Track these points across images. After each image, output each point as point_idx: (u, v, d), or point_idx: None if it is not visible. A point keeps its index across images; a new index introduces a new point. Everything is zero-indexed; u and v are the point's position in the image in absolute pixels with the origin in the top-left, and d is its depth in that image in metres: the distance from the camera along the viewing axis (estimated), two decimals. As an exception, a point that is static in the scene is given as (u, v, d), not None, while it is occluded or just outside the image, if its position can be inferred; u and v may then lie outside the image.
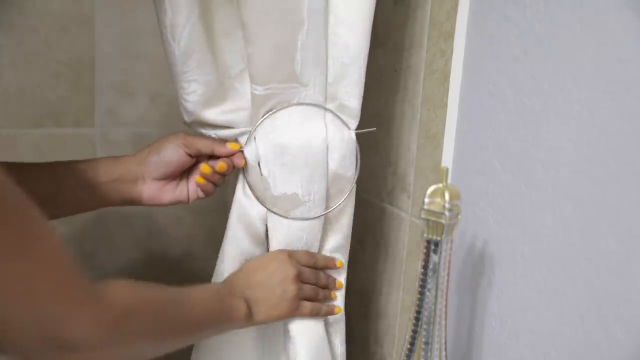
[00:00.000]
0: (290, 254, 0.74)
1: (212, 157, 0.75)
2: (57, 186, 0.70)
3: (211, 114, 0.71)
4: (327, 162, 0.74)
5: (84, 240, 1.14)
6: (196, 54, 0.67)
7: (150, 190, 0.73)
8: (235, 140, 0.73)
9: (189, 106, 0.70)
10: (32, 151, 1.08)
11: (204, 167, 0.73)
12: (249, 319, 0.70)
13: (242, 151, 0.73)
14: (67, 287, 0.47)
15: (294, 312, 0.74)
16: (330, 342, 0.80)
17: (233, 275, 0.73)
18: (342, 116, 0.76)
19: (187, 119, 0.73)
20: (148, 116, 1.13)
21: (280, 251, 0.75)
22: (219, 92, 0.71)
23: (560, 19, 0.60)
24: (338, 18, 0.72)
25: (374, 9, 0.72)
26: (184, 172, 0.75)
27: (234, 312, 0.69)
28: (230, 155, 0.73)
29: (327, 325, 0.80)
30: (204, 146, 0.73)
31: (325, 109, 0.75)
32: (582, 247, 0.59)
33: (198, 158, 0.75)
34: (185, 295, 0.64)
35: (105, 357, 0.52)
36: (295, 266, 0.74)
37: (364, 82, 0.74)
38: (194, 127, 0.74)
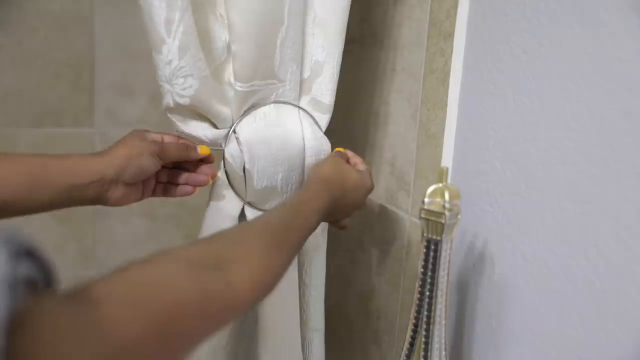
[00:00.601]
0: (362, 178, 0.74)
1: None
2: (30, 183, 0.66)
3: (204, 110, 0.71)
4: (305, 155, 0.76)
5: (84, 239, 1.14)
6: (191, 50, 0.67)
7: (119, 194, 0.71)
8: (206, 144, 0.74)
9: (184, 101, 0.69)
10: (32, 151, 1.08)
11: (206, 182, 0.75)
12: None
13: (211, 157, 0.74)
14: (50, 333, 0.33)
15: (337, 225, 0.76)
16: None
17: (330, 191, 0.68)
18: (315, 111, 0.79)
19: (173, 106, 0.71)
20: (147, 116, 1.13)
21: (370, 184, 0.75)
22: (209, 89, 0.71)
23: (560, 18, 0.60)
24: (316, 17, 0.76)
25: (349, 9, 0.75)
26: None
27: (309, 231, 0.64)
28: (202, 159, 0.74)
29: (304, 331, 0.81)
30: (177, 155, 0.72)
31: (299, 107, 0.77)
32: (582, 247, 0.59)
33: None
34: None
35: None
36: (368, 191, 0.75)
37: (337, 79, 0.77)
38: (178, 112, 0.72)
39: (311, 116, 0.78)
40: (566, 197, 0.60)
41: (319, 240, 0.82)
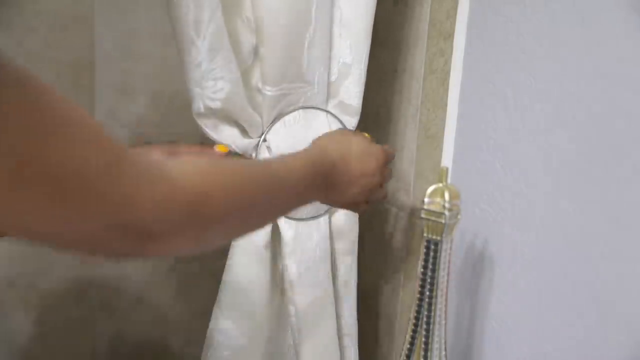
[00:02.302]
0: (370, 147, 0.66)
1: None
2: None
3: (235, 115, 0.70)
4: None
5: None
6: (222, 51, 0.65)
7: None
8: (235, 152, 0.73)
9: (215, 105, 0.68)
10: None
11: None
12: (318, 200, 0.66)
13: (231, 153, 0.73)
14: (124, 165, 0.40)
15: (354, 210, 0.74)
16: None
17: (335, 162, 0.64)
18: (342, 114, 0.77)
19: (204, 110, 0.70)
20: (148, 116, 1.13)
21: (381, 154, 0.67)
22: (240, 92, 0.70)
23: (560, 18, 0.60)
24: (342, 18, 0.74)
25: (374, 9, 0.73)
26: None
27: (314, 195, 0.63)
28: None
29: (340, 338, 0.80)
30: (189, 152, 0.71)
31: (327, 111, 0.76)
32: (582, 247, 0.59)
33: None
34: (278, 181, 0.56)
35: (179, 244, 0.44)
36: (379, 165, 0.67)
37: (364, 81, 0.75)
38: (208, 117, 0.70)
39: (339, 120, 0.77)
40: (566, 197, 0.60)
41: (350, 246, 0.81)
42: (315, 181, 0.61)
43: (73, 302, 1.11)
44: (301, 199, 0.62)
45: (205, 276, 1.01)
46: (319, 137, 0.67)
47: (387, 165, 0.68)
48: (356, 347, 0.83)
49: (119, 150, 0.40)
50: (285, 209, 0.61)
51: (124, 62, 1.10)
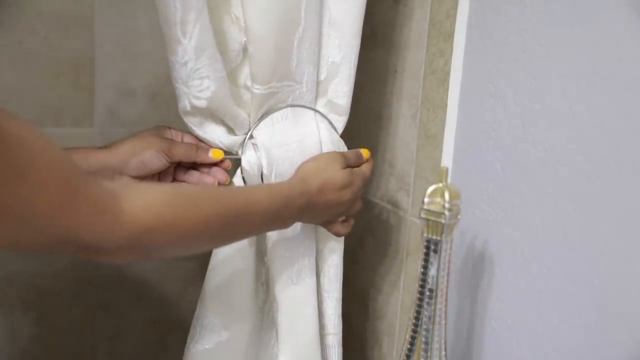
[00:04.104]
0: (351, 181, 0.72)
1: (192, 163, 0.75)
2: None
3: (221, 113, 0.71)
4: None
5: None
6: (208, 51, 0.66)
7: None
8: (220, 148, 0.73)
9: (201, 103, 0.69)
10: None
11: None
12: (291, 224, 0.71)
13: (225, 162, 0.74)
14: (75, 201, 0.45)
15: (329, 229, 0.77)
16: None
17: (312, 193, 0.69)
18: (331, 113, 0.78)
19: (189, 109, 0.70)
20: (148, 116, 1.13)
21: (360, 183, 0.74)
22: (226, 91, 0.71)
23: (560, 18, 0.60)
24: (332, 18, 0.74)
25: (364, 9, 0.74)
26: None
27: (281, 226, 0.69)
28: (213, 164, 0.74)
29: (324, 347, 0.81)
30: (185, 156, 0.73)
31: (315, 110, 0.77)
32: (582, 247, 0.59)
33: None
34: (238, 213, 0.61)
35: (125, 259, 0.52)
36: (355, 194, 0.73)
37: (353, 81, 0.76)
38: (194, 115, 0.71)
39: (327, 119, 0.78)
40: (566, 197, 0.60)
41: (335, 244, 0.81)
42: (284, 213, 0.66)
43: (72, 301, 1.11)
44: (266, 228, 0.70)
45: (204, 275, 1.00)
46: (306, 163, 0.72)
47: (365, 185, 0.75)
48: (340, 346, 0.83)
49: (73, 184, 0.45)
50: (244, 235, 0.67)
51: (124, 62, 1.09)
